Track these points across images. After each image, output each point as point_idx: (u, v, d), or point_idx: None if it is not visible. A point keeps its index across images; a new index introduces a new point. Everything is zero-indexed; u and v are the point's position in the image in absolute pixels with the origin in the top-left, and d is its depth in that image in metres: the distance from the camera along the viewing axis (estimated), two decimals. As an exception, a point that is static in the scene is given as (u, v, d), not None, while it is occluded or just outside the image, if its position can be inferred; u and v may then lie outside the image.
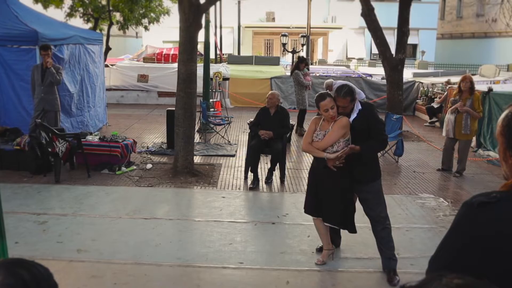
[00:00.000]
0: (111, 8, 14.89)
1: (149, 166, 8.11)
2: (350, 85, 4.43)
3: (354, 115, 4.36)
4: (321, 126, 4.44)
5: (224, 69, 15.91)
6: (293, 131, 10.48)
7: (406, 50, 11.87)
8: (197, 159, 8.49)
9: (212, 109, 12.01)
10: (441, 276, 0.96)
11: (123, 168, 7.77)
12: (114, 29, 16.86)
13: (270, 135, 7.28)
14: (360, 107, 4.39)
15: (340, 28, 31.96)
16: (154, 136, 10.77)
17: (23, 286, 1.04)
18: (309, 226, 5.26)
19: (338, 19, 31.97)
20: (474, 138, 9.14)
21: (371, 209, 4.50)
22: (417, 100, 15.24)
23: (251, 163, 7.35)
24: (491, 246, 1.33)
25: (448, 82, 13.39)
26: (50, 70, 7.55)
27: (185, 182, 7.31)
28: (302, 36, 19.65)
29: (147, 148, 9.35)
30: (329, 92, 4.57)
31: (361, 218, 4.77)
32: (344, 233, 5.09)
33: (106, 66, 14.12)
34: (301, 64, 11.04)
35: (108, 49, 14.88)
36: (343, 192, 4.43)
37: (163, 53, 21.60)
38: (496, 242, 1.32)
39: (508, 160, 1.43)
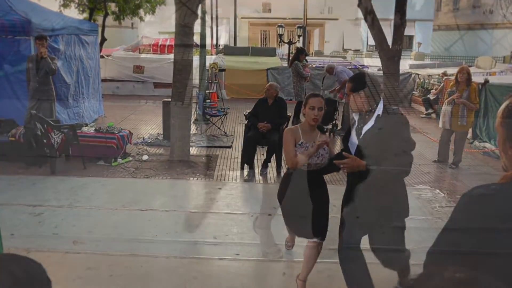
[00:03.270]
0: (106, -2, 14.78)
1: (145, 157, 8.08)
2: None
3: (371, 123, 3.22)
4: (303, 137, 3.73)
5: (220, 60, 15.84)
6: (290, 123, 10.44)
7: (403, 41, 11.84)
8: (193, 151, 8.46)
9: (208, 100, 11.97)
10: (443, 269, 0.95)
11: (119, 160, 7.74)
12: (110, 19, 16.71)
13: (268, 128, 7.28)
14: (380, 112, 3.25)
15: (337, 19, 31.92)
16: (150, 127, 10.73)
17: (14, 282, 1.02)
18: (306, 217, 5.26)
19: (335, 10, 31.93)
20: (470, 130, 9.15)
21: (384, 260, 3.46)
22: (414, 92, 15.24)
23: (247, 155, 7.33)
24: (490, 238, 1.33)
25: (444, 74, 13.39)
26: (46, 60, 7.48)
27: (181, 174, 7.29)
28: (298, 27, 19.59)
29: (143, 140, 9.31)
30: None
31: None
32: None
33: (102, 57, 14.02)
34: (301, 55, 10.93)
35: (103, 40, 14.76)
36: None
37: (159, 43, 21.47)
38: (495, 234, 1.32)
39: (508, 151, 1.42)
